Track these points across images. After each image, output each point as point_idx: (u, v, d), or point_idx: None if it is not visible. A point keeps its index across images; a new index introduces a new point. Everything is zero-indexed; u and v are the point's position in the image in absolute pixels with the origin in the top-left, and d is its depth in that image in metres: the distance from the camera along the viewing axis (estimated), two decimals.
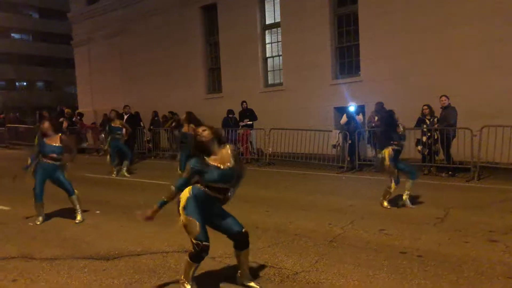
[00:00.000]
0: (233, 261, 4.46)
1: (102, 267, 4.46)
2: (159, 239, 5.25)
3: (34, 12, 46.76)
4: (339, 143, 11.44)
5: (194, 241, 3.52)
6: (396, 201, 6.93)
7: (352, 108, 11.26)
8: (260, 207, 7.01)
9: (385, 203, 6.88)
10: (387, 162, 6.75)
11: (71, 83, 33.01)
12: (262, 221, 6.10)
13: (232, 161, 3.65)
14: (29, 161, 6.32)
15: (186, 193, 3.62)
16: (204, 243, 3.52)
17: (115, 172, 10.91)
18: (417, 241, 5.08)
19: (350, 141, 10.97)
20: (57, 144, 6.25)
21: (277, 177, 10.51)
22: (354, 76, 13.41)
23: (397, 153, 6.80)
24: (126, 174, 10.86)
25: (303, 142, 11.64)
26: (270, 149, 12.43)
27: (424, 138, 9.86)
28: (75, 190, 6.45)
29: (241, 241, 3.77)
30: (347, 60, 13.85)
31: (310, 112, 13.57)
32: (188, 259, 3.61)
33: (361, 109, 11.65)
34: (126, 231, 5.82)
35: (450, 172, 9.68)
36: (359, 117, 11.29)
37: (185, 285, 3.69)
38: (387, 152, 6.77)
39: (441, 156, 9.95)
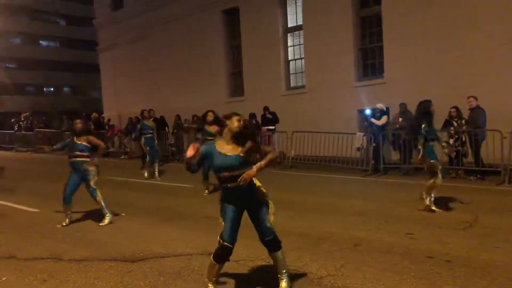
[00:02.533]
0: (256, 264, 4.46)
1: (127, 269, 4.52)
2: (183, 242, 5.28)
3: (61, 20, 47.99)
4: (363, 146, 11.30)
5: (218, 238, 3.57)
6: (420, 205, 6.78)
7: (368, 111, 11.15)
8: (282, 210, 6.91)
9: (433, 206, 6.53)
10: (428, 160, 6.46)
11: (96, 88, 33.69)
12: (285, 225, 6.03)
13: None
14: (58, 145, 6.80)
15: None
16: (225, 243, 3.51)
17: (147, 175, 10.97)
18: (445, 246, 4.95)
19: (374, 144, 10.83)
20: (85, 143, 6.43)
21: (300, 180, 10.45)
22: (378, 78, 13.25)
23: (432, 148, 6.53)
24: (157, 176, 10.95)
25: (326, 145, 11.54)
26: (292, 152, 12.37)
27: (452, 141, 9.64)
28: (98, 194, 6.52)
29: (267, 246, 3.76)
30: (371, 62, 13.71)
31: (333, 114, 13.46)
32: (211, 258, 3.62)
33: (379, 112, 11.40)
34: (150, 233, 5.89)
35: (479, 176, 9.43)
36: (382, 120, 11.11)
37: (209, 285, 3.69)
38: (423, 145, 6.50)
39: (470, 158, 9.71)
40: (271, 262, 3.89)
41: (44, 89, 47.03)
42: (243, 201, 3.63)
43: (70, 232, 6.14)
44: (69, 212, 6.52)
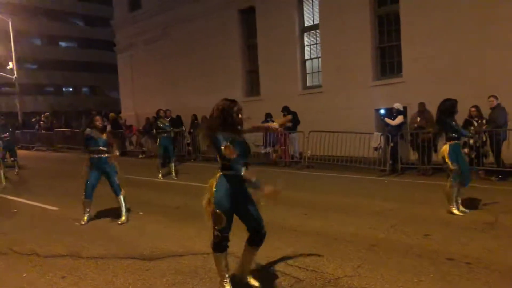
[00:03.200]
0: (273, 264, 4.44)
1: (145, 267, 4.56)
2: (200, 241, 5.30)
3: (79, 20, 48.78)
4: (380, 146, 11.18)
5: (216, 231, 3.57)
6: (441, 205, 6.67)
7: (382, 110, 11.02)
8: (298, 210, 6.95)
9: (453, 209, 6.36)
10: (447, 160, 6.33)
11: (114, 88, 34.14)
12: (301, 224, 6.04)
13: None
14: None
15: (213, 181, 3.60)
16: (224, 234, 3.56)
17: (161, 175, 11.00)
18: (464, 248, 4.86)
19: (392, 144, 10.71)
20: (103, 137, 6.54)
21: (316, 180, 10.40)
22: (396, 77, 13.09)
23: (456, 147, 6.39)
24: (174, 176, 10.98)
25: (343, 145, 11.46)
26: (309, 151, 12.32)
27: (472, 141, 9.47)
28: (122, 190, 6.62)
29: (257, 239, 3.73)
30: (388, 61, 13.54)
31: (350, 114, 13.35)
32: (211, 250, 3.65)
33: (395, 112, 11.24)
34: (167, 232, 5.93)
35: (500, 176, 9.23)
36: (396, 120, 10.94)
37: (224, 284, 3.68)
38: (445, 150, 6.39)
39: (490, 159, 9.52)
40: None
41: (63, 89, 47.91)
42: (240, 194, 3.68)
43: (89, 230, 6.23)
44: (88, 209, 6.62)
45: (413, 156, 11.19)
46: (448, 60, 11.57)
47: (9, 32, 27.45)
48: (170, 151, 11.11)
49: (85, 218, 6.57)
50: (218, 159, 3.56)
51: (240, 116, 3.62)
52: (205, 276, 4.22)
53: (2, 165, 10.98)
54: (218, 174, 3.60)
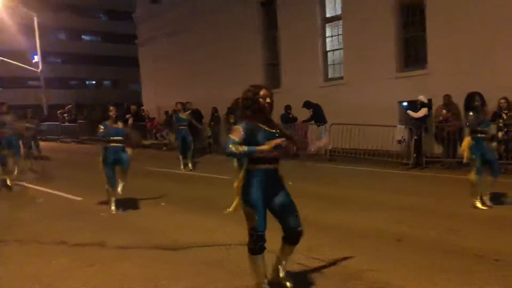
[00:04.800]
0: (295, 257, 4.41)
1: (169, 257, 4.60)
2: (223, 232, 5.32)
3: (102, 14, 49.40)
4: (404, 139, 10.99)
5: (250, 230, 3.33)
6: (467, 200, 6.51)
7: (405, 103, 10.81)
8: (320, 203, 6.90)
9: (477, 203, 6.21)
10: (467, 153, 6.20)
11: (136, 81, 34.48)
12: (323, 218, 6.00)
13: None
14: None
15: (241, 175, 3.41)
16: (258, 232, 3.29)
17: (183, 166, 11.11)
18: (493, 244, 4.73)
19: (416, 137, 10.51)
20: (120, 127, 6.68)
21: (338, 174, 10.30)
22: (420, 69, 12.81)
23: (480, 141, 6.19)
24: (190, 167, 11.09)
25: (366, 138, 11.31)
26: (330, 145, 12.20)
27: (500, 134, 9.20)
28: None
29: (291, 236, 3.46)
30: (413, 52, 13.26)
31: (373, 106, 13.16)
32: (248, 252, 3.38)
33: (419, 104, 11.00)
34: (190, 223, 5.98)
35: None
36: (419, 113, 10.71)
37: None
38: (466, 143, 6.25)
39: None
40: None
41: (87, 82, 48.65)
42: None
43: (113, 220, 6.33)
44: (114, 198, 6.72)
45: (438, 149, 10.96)
46: (476, 50, 11.25)
47: (35, 26, 27.95)
48: (188, 144, 11.18)
49: (113, 207, 6.67)
50: None
51: (268, 100, 3.36)
52: (228, 267, 4.23)
53: (28, 158, 11.23)
54: (245, 168, 3.43)
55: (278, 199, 3.41)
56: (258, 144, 3.24)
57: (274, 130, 3.39)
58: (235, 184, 3.46)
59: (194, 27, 20.32)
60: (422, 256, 4.42)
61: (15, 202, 7.93)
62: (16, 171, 9.63)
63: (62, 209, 7.18)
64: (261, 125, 3.35)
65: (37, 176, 10.95)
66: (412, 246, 4.75)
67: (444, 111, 10.48)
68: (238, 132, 3.26)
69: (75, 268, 4.38)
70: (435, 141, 10.94)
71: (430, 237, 5.06)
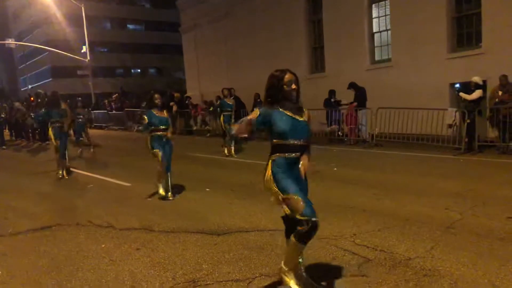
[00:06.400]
0: (341, 244, 4.32)
1: (213, 241, 4.64)
2: (266, 218, 5.30)
3: (146, 3, 50.34)
4: (455, 123, 10.46)
5: (301, 218, 3.04)
6: None
7: (457, 85, 10.23)
8: (367, 189, 6.71)
9: None
10: None
11: (180, 68, 35.01)
12: (370, 204, 5.83)
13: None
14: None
15: (268, 166, 3.24)
16: (313, 219, 3.04)
17: (232, 151, 11.09)
18: None
19: (468, 120, 9.98)
20: (165, 116, 6.72)
21: (385, 159, 9.98)
22: (475, 48, 12.10)
23: None
24: (233, 154, 11.11)
25: (414, 122, 10.87)
26: (377, 129, 11.84)
27: None
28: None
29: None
30: (466, 31, 12.53)
31: (422, 89, 12.62)
32: (295, 240, 3.13)
33: (473, 86, 10.35)
34: (234, 208, 6.00)
35: None
36: (473, 95, 10.10)
37: (287, 276, 3.30)
38: None
39: None
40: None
41: (132, 70, 49.99)
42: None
43: (159, 205, 6.46)
44: (165, 180, 6.77)
45: (493, 133, 10.36)
46: None
47: (82, 17, 28.88)
48: (229, 130, 11.13)
49: (170, 194, 6.73)
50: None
51: (294, 87, 3.23)
52: (271, 252, 4.20)
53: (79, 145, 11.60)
54: (271, 156, 3.27)
55: (300, 184, 3.23)
56: (277, 128, 3.16)
57: (300, 118, 3.23)
58: (266, 177, 3.28)
59: (236, 13, 20.24)
60: (475, 244, 4.20)
61: (72, 187, 8.27)
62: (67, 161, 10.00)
63: (111, 194, 7.43)
64: (283, 110, 3.21)
65: (88, 163, 11.40)
66: (464, 233, 4.52)
67: (500, 92, 9.86)
68: (253, 114, 3.23)
69: (123, 251, 4.51)
70: (489, 124, 10.35)
71: (485, 224, 4.79)
